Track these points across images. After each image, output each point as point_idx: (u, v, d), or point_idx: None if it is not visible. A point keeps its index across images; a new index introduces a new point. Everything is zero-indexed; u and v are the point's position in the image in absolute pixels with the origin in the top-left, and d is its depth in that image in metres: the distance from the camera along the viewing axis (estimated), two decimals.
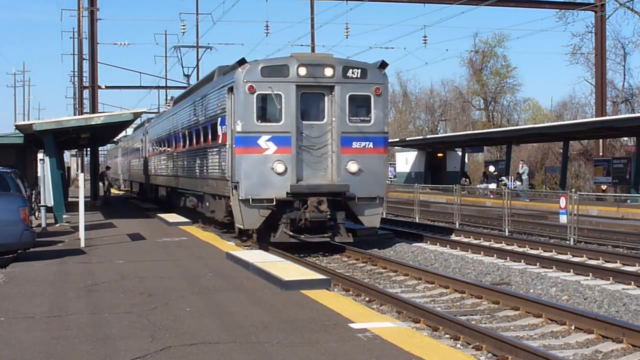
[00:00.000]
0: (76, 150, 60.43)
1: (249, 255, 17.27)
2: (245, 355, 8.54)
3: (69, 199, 38.61)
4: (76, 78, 66.84)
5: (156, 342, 9.12)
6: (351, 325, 10.06)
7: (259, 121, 21.84)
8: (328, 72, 22.18)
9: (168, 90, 68.77)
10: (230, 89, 22.59)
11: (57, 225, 26.79)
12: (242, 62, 22.10)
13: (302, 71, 21.98)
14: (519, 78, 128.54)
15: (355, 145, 22.41)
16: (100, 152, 59.82)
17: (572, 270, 19.01)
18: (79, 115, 56.44)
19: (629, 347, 11.43)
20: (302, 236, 21.80)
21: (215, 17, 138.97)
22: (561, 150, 49.36)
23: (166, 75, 67.98)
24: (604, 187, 43.01)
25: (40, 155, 27.31)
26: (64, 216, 28.11)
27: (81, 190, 21.03)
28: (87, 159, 57.22)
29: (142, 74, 78.93)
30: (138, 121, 60.91)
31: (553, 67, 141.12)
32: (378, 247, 23.85)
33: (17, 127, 30.53)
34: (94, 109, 44.73)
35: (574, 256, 21.77)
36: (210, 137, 25.82)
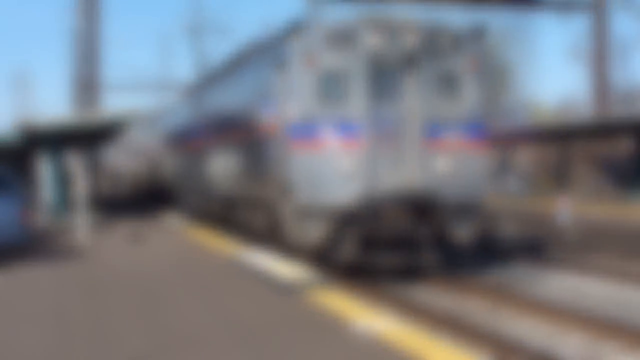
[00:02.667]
0: (76, 150, 53.49)
1: (249, 256, 16.46)
2: (244, 356, 8.17)
3: (69, 199, 34.96)
4: (76, 77, 59.83)
5: (156, 342, 8.72)
6: (351, 325, 9.62)
7: (320, 105, 15.42)
8: (410, 39, 15.60)
9: (168, 90, 65.56)
10: (280, 64, 16.17)
11: (57, 225, 25.24)
12: (296, 27, 15.62)
13: (377, 39, 15.45)
14: None
15: (445, 135, 15.85)
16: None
17: None
18: (79, 115, 48.65)
19: None
20: (376, 257, 15.34)
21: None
22: None
23: (166, 76, 64.95)
24: None
25: (40, 155, 25.87)
26: (64, 216, 26.39)
27: (81, 190, 20.05)
28: (87, 159, 50.90)
29: (142, 74, 72.76)
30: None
31: None
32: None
33: (17, 126, 28.04)
34: (94, 109, 42.06)
35: None
36: (245, 128, 19.40)
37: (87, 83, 46.79)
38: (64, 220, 25.94)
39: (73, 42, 66.99)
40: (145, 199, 43.94)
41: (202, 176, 26.49)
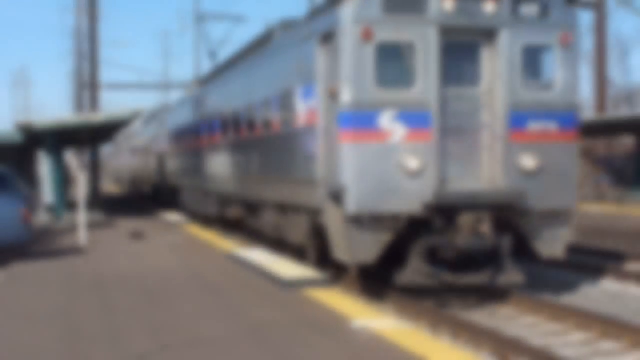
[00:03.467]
0: (76, 149, 55.18)
1: (249, 254, 15.68)
2: (244, 354, 7.94)
3: (69, 198, 36.41)
4: (76, 77, 62.33)
5: (157, 341, 8.48)
6: (351, 324, 9.30)
7: (379, 87, 11.94)
8: (489, 6, 12.18)
9: (169, 90, 66.40)
10: (326, 38, 12.80)
11: (58, 224, 24.94)
12: None
13: (449, 5, 12.03)
14: None
15: (532, 126, 12.38)
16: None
17: None
18: (79, 114, 50.84)
19: None
20: (448, 276, 12.12)
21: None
22: None
23: (166, 75, 62.68)
24: None
25: (40, 155, 25.80)
26: (65, 215, 26.12)
27: (82, 190, 19.58)
28: (87, 158, 51.98)
29: (142, 73, 71.41)
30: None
31: None
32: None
33: (18, 126, 28.05)
34: (94, 108, 40.67)
35: None
36: (275, 119, 15.95)
37: (87, 82, 44.67)
38: (64, 219, 25.39)
39: (73, 41, 66.72)
40: (148, 198, 42.45)
41: (211, 176, 23.01)
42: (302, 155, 13.94)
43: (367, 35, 11.73)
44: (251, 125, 17.94)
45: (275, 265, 13.57)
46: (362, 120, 11.80)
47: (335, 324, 9.36)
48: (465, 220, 11.69)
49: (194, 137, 26.12)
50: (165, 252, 17.43)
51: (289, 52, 14.77)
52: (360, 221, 11.74)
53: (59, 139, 27.90)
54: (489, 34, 12.21)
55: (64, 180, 33.53)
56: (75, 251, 17.41)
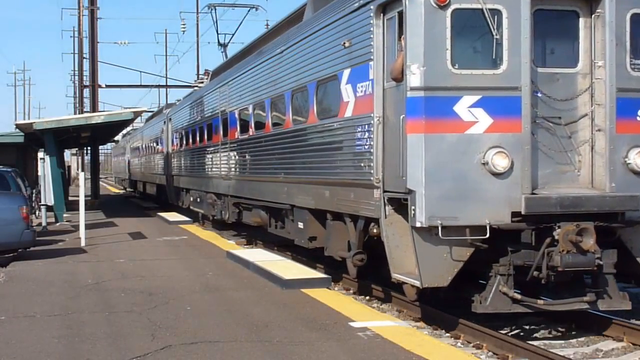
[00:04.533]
0: (76, 149, 56.10)
1: (249, 254, 14.85)
2: (244, 354, 7.66)
3: (70, 198, 36.14)
4: (76, 77, 62.43)
5: (157, 341, 8.27)
6: (351, 324, 8.94)
7: (457, 66, 9.31)
8: None
9: (169, 89, 66.12)
10: (387, 6, 10.15)
11: (58, 224, 24.95)
12: None
13: None
14: None
15: None
16: (100, 151, 53.93)
17: None
18: (79, 114, 51.43)
19: None
20: (539, 301, 9.54)
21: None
22: None
23: (167, 75, 61.00)
24: None
25: (40, 154, 24.33)
26: (65, 215, 26.17)
27: (81, 189, 19.09)
28: (87, 158, 53.63)
29: (142, 73, 70.95)
30: (141, 119, 56.75)
31: None
32: None
33: (18, 126, 28.49)
34: (94, 108, 39.54)
35: None
36: (314, 109, 13.08)
37: (87, 81, 43.56)
38: (64, 219, 25.49)
39: (73, 41, 65.34)
40: (151, 198, 41.55)
41: (225, 177, 20.45)
42: (350, 152, 11.34)
43: (441, 1, 9.08)
44: (278, 118, 15.32)
45: (275, 265, 13.03)
46: (436, 106, 9.21)
47: (335, 324, 9.04)
48: (565, 232, 9.00)
49: (204, 134, 23.59)
50: (165, 251, 17.16)
51: (332, 30, 12.02)
52: (433, 233, 9.14)
53: (59, 138, 27.12)
54: (588, 1, 9.56)
55: (64, 180, 31.94)
56: (75, 251, 17.24)
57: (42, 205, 23.35)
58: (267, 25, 39.28)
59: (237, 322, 9.20)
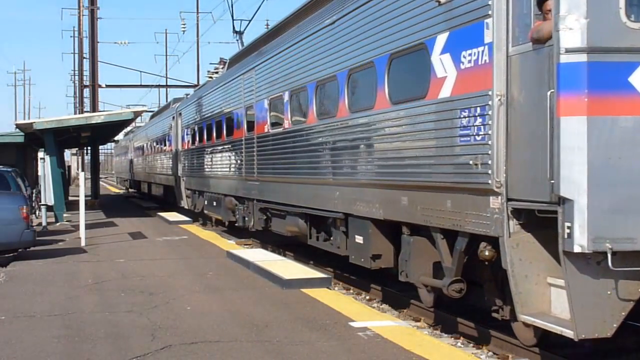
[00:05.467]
0: (76, 149, 55.64)
1: (249, 254, 14.89)
2: (244, 354, 7.64)
3: (70, 198, 36.56)
4: (76, 77, 63.56)
5: (157, 341, 8.26)
6: (351, 323, 8.98)
7: (633, 18, 6.72)
8: None
9: (169, 89, 65.64)
10: None
11: (58, 224, 24.99)
12: None
13: None
14: None
15: None
16: (100, 151, 54.29)
17: None
18: (79, 114, 51.84)
19: None
20: None
21: (215, 16, 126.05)
22: None
23: (167, 74, 60.95)
24: None
25: (40, 154, 24.38)
26: (65, 215, 26.23)
27: (82, 189, 19.13)
28: (87, 158, 53.17)
29: (142, 73, 71.01)
30: (141, 119, 57.48)
31: None
32: None
33: (18, 125, 28.44)
34: (94, 108, 39.52)
35: None
36: (387, 91, 10.36)
37: (87, 81, 43.55)
38: (65, 219, 25.53)
39: (73, 41, 65.32)
40: (156, 198, 41.28)
41: (249, 178, 18.30)
42: (447, 145, 8.71)
43: None
44: (327, 106, 12.77)
45: (275, 265, 13.07)
46: (605, 76, 6.70)
47: (335, 323, 9.09)
48: None
49: (223, 129, 21.10)
50: (165, 251, 17.16)
51: None
52: (594, 262, 6.79)
53: (59, 138, 27.17)
54: None
55: (64, 180, 32.25)
56: (75, 251, 17.24)
57: (42, 205, 23.40)
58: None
59: (237, 322, 9.23)
